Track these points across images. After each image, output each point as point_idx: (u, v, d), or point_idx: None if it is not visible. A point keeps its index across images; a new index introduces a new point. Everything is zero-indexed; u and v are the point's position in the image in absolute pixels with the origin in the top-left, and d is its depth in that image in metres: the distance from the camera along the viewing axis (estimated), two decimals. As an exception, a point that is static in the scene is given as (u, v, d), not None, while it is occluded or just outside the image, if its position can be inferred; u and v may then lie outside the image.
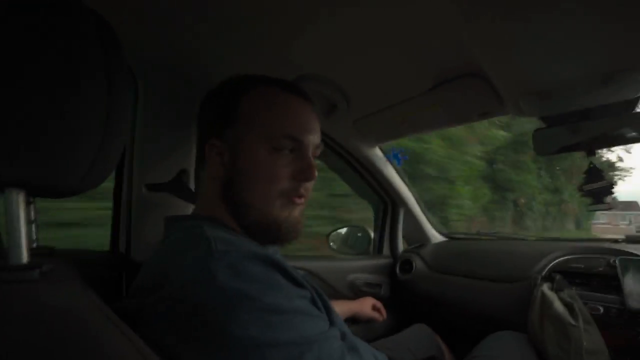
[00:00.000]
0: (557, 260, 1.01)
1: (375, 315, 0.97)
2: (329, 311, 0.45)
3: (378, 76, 0.83)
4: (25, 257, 0.31)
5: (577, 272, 0.96)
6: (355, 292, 1.25)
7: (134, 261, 0.81)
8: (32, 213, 0.41)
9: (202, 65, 0.78)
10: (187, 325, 0.35)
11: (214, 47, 0.73)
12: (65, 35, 0.31)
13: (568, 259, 1.01)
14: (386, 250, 1.46)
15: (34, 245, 0.43)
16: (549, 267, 1.01)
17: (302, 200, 0.50)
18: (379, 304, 0.99)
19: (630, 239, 1.01)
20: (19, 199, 0.31)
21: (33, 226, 0.42)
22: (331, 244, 1.44)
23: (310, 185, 0.50)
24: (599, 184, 0.79)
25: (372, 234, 1.49)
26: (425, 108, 0.93)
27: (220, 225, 0.47)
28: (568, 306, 0.84)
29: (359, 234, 1.51)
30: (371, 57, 0.75)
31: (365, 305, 0.97)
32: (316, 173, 0.49)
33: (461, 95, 0.83)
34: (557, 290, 0.90)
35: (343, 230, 1.51)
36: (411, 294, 1.31)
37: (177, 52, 0.75)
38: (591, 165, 0.80)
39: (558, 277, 0.93)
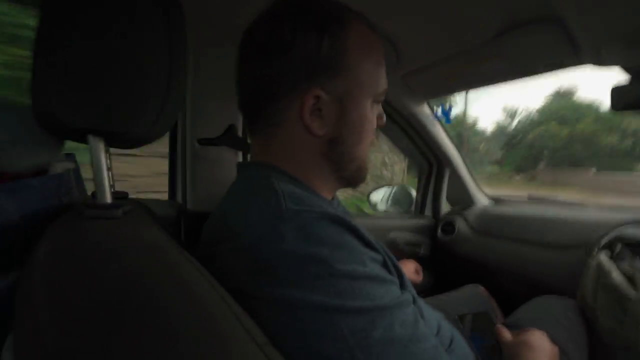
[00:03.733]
0: (620, 229, 0.93)
1: (416, 278, 0.98)
2: (400, 274, 0.42)
3: (433, 24, 0.75)
4: (109, 198, 0.35)
5: None
6: (395, 250, 1.27)
7: (190, 210, 0.88)
8: (109, 162, 0.46)
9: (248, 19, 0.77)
10: (255, 281, 0.34)
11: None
12: None
13: (633, 227, 0.92)
14: (428, 210, 1.44)
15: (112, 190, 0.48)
16: (609, 235, 0.93)
17: None
18: (419, 267, 1.01)
19: None
20: (101, 146, 0.34)
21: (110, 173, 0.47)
22: (372, 202, 1.45)
23: None
24: None
25: (413, 194, 1.46)
26: (484, 60, 0.84)
27: (287, 175, 0.44)
28: (628, 277, 0.79)
29: (401, 193, 1.49)
30: (428, 3, 0.68)
31: (409, 269, 0.98)
32: None
33: (530, 43, 0.74)
34: (617, 259, 0.84)
35: (384, 189, 1.50)
36: (451, 255, 1.31)
37: (222, 6, 0.73)
38: None
39: (619, 246, 0.86)
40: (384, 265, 0.39)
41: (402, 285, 0.41)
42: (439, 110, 1.25)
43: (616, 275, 0.79)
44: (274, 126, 0.44)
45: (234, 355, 0.22)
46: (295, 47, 0.40)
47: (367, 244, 0.38)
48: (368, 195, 1.47)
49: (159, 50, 0.34)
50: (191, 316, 0.23)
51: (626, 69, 0.77)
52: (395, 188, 1.51)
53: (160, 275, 0.26)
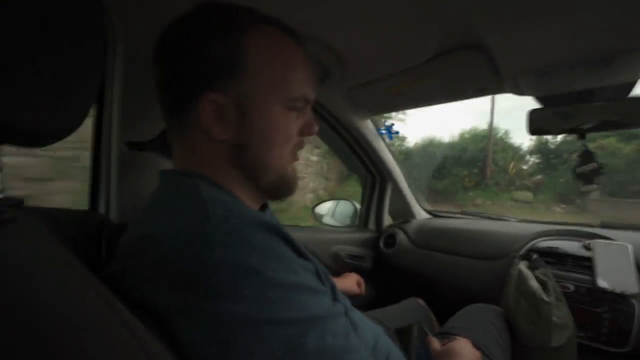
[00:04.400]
0: (535, 241, 1.05)
1: (358, 290, 0.99)
2: (331, 285, 0.42)
3: (377, 42, 0.79)
4: None
5: (553, 252, 1.00)
6: (338, 263, 1.27)
7: (113, 222, 0.79)
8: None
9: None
10: (177, 295, 0.31)
11: None
12: None
13: (545, 240, 1.04)
14: (372, 224, 1.48)
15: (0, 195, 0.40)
16: (527, 246, 1.04)
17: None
18: (361, 280, 1.01)
19: (604, 225, 1.06)
20: None
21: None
22: (317, 216, 1.45)
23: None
24: (590, 166, 0.82)
25: (358, 208, 1.49)
26: (421, 80, 0.90)
27: (213, 184, 0.42)
28: (542, 283, 0.87)
29: (345, 207, 1.51)
30: (372, 21, 0.71)
31: (351, 282, 0.98)
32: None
33: (460, 68, 0.81)
34: (533, 268, 0.93)
35: (329, 203, 1.51)
36: (393, 267, 1.35)
37: None
38: (583, 148, 0.82)
39: (535, 256, 0.96)
40: (316, 274, 0.39)
41: (334, 297, 0.41)
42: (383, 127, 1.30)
43: (532, 282, 0.87)
44: (184, 132, 0.43)
45: None
46: (192, 52, 0.40)
47: (299, 253, 0.37)
48: (313, 209, 1.46)
49: (53, 31, 0.29)
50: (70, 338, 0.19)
51: (539, 99, 0.88)
52: (340, 202, 1.53)
53: (27, 300, 0.21)
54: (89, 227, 0.78)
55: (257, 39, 0.41)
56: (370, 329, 0.57)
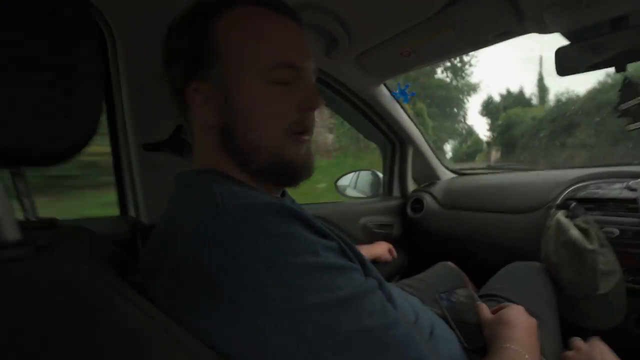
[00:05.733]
0: (571, 188, 0.99)
1: (389, 257, 0.99)
2: (361, 260, 0.40)
3: (381, 1, 0.73)
4: (14, 234, 0.28)
5: (593, 197, 0.95)
6: (368, 234, 1.27)
7: (144, 224, 0.81)
8: (22, 185, 0.38)
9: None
10: (197, 295, 0.31)
11: None
12: None
13: (583, 185, 0.99)
14: (396, 191, 1.45)
15: (33, 219, 0.41)
16: (563, 195, 0.99)
17: (309, 135, 0.45)
18: (392, 247, 1.01)
19: None
20: None
21: (27, 200, 0.40)
22: (339, 189, 1.44)
23: (313, 115, 0.45)
24: (636, 100, 0.71)
25: (381, 176, 1.47)
26: (434, 34, 0.84)
27: (227, 177, 0.42)
28: (583, 231, 0.84)
29: (367, 177, 1.49)
30: None
31: (383, 249, 0.98)
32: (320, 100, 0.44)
33: (477, 14, 0.74)
34: (572, 217, 0.89)
35: (351, 175, 1.49)
36: (423, 232, 1.33)
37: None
38: (626, 81, 0.71)
39: (573, 204, 0.92)
40: (341, 252, 0.37)
41: (366, 272, 0.39)
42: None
43: (573, 232, 0.84)
44: (191, 129, 0.46)
45: None
46: (172, 49, 0.43)
47: (319, 232, 0.36)
48: (335, 182, 1.45)
49: (52, 50, 0.27)
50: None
51: (566, 35, 0.80)
52: (361, 172, 1.50)
53: (71, 322, 0.21)
54: (122, 232, 0.81)
55: (227, 20, 0.41)
56: (408, 303, 0.55)
